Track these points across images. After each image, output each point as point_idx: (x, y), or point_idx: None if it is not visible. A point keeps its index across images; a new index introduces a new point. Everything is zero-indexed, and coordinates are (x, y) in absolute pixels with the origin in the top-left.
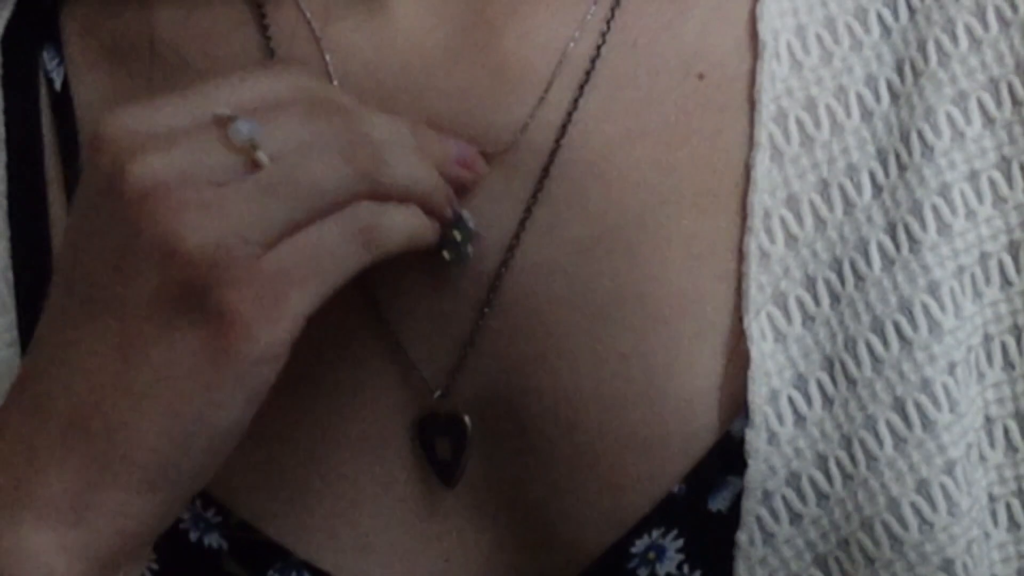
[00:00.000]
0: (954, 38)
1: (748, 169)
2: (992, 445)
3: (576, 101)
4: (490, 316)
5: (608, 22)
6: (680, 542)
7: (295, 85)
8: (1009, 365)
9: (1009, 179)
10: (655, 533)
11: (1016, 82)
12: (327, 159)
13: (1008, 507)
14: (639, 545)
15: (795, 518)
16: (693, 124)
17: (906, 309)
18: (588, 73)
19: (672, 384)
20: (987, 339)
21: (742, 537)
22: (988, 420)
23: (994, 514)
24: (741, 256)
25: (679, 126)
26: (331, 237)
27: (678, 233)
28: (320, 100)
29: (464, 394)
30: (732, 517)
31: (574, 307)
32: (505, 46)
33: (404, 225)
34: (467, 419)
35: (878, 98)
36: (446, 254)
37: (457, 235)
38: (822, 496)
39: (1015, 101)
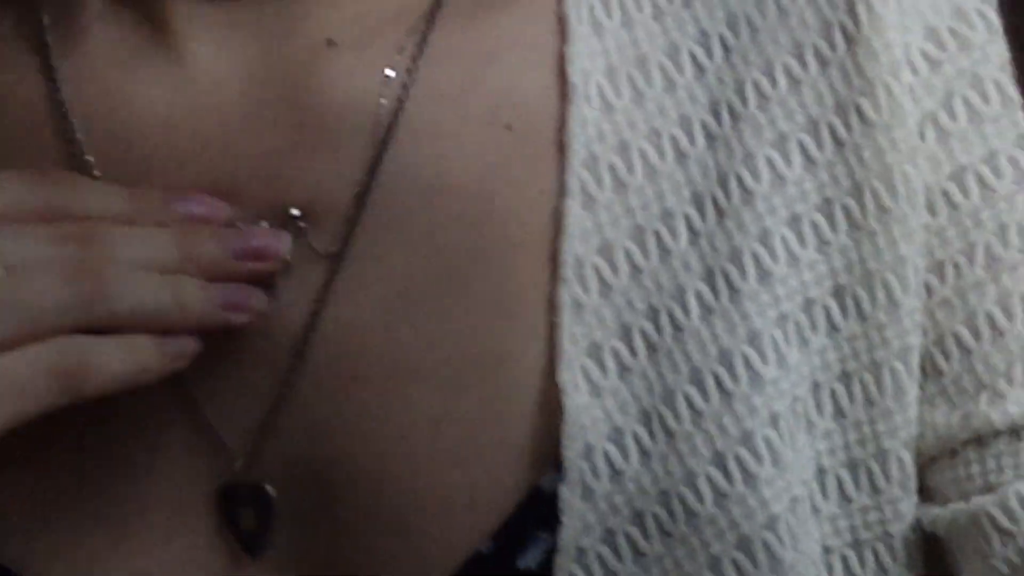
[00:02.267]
0: (772, 79)
1: (559, 218)
2: (825, 496)
3: (380, 156)
4: (295, 381)
5: (411, 73)
6: None
7: (40, 195)
8: (840, 413)
9: (832, 222)
10: None
11: (837, 122)
12: (47, 280)
13: (844, 559)
14: None
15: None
16: (501, 176)
17: (726, 360)
18: (390, 128)
19: (483, 444)
20: (816, 388)
21: None
22: (820, 471)
23: (829, 566)
24: (554, 308)
25: (486, 179)
26: (21, 370)
27: (487, 289)
28: (64, 213)
29: (269, 462)
30: (543, 575)
31: (382, 370)
32: (307, 100)
33: (120, 365)
34: (270, 488)
35: (693, 141)
36: None
37: None
38: (639, 554)
39: (836, 141)
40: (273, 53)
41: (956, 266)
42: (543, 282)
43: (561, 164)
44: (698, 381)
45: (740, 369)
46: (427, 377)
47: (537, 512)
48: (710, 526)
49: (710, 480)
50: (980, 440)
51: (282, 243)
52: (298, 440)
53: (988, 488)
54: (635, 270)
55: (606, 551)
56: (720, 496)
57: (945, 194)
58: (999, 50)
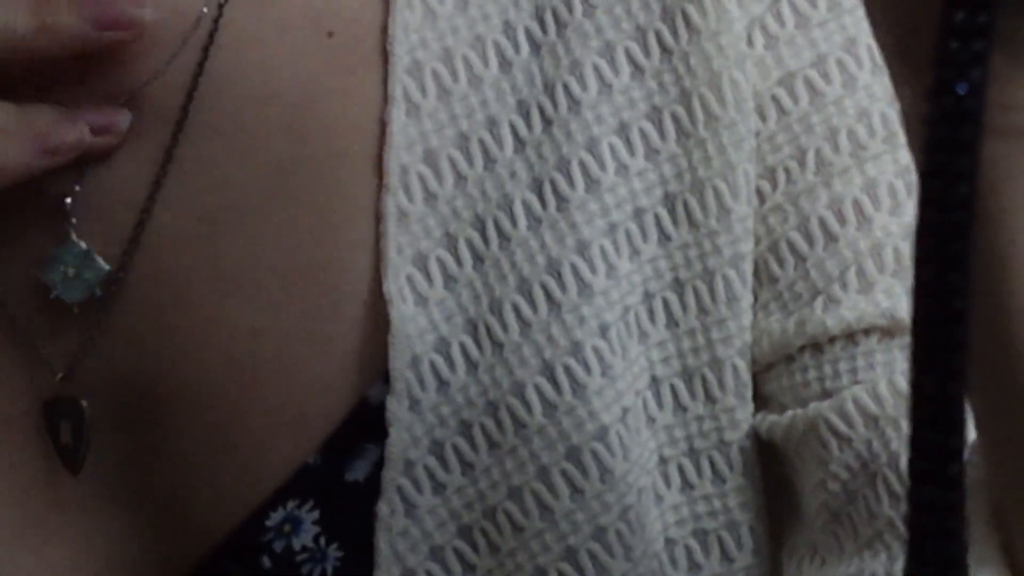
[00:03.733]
0: None
1: (384, 126)
2: (660, 406)
3: (201, 64)
4: (117, 294)
5: None
6: (316, 514)
7: None
8: (673, 323)
9: (661, 130)
10: (290, 505)
11: (664, 30)
12: None
13: (680, 468)
14: (274, 518)
15: (438, 488)
16: (324, 84)
17: (554, 270)
18: (212, 35)
19: (308, 355)
20: (647, 297)
21: (383, 508)
22: (655, 380)
23: (666, 476)
24: (379, 217)
25: (309, 87)
26: None
27: (312, 200)
28: None
29: (91, 377)
30: (370, 487)
31: (204, 282)
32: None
33: None
34: (84, 402)
35: (517, 48)
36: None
37: (64, 266)
38: (467, 465)
39: (664, 49)
40: None
41: (787, 171)
42: (368, 191)
43: (384, 72)
44: (526, 291)
45: (569, 279)
46: (250, 289)
47: (364, 424)
48: (539, 436)
49: (539, 390)
50: (816, 346)
51: (121, 120)
52: (120, 355)
53: (825, 394)
54: (460, 178)
55: (433, 462)
56: (549, 406)
57: (775, 100)
58: None
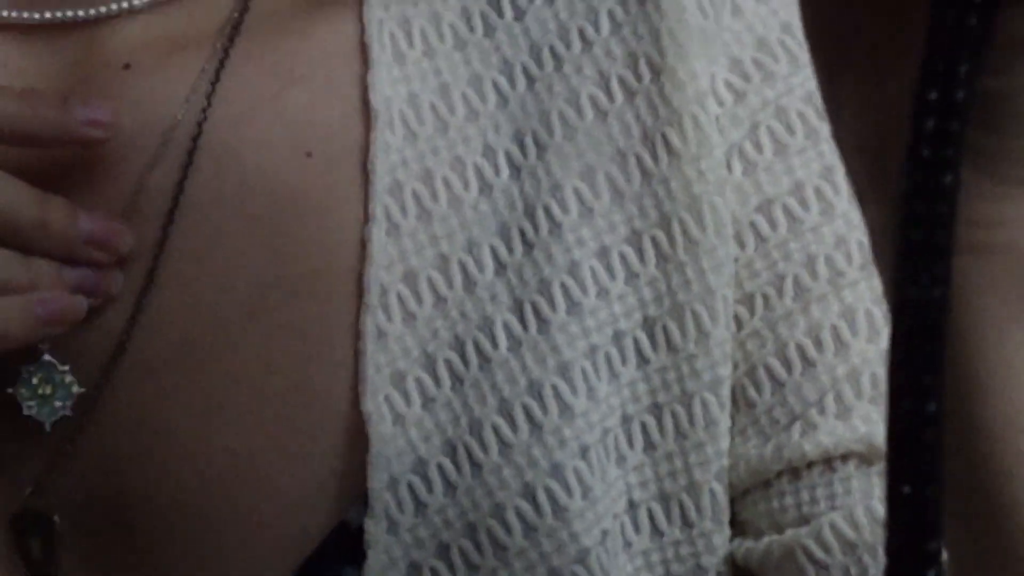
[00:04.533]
0: (579, 111)
1: (364, 245)
2: (637, 530)
3: (181, 185)
4: (91, 414)
5: (209, 97)
6: None
7: None
8: (651, 446)
9: (641, 254)
10: None
11: (644, 153)
12: None
13: None
14: None
15: None
16: (303, 203)
17: (536, 391)
18: (191, 153)
19: (287, 477)
20: (626, 420)
21: None
22: (632, 504)
23: None
24: (358, 336)
25: (288, 207)
26: None
27: (291, 319)
28: None
29: (62, 493)
30: None
31: (182, 405)
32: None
33: None
34: (56, 518)
35: (497, 171)
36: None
37: (37, 383)
38: None
39: (644, 173)
40: (70, 78)
41: (765, 297)
42: (348, 311)
43: (364, 191)
44: (507, 412)
45: (550, 400)
46: (228, 410)
47: (343, 546)
48: (519, 559)
49: (519, 512)
50: (794, 471)
51: (123, 238)
52: (92, 473)
53: (802, 520)
54: (439, 300)
55: None
56: (530, 529)
57: (753, 226)
58: (803, 81)
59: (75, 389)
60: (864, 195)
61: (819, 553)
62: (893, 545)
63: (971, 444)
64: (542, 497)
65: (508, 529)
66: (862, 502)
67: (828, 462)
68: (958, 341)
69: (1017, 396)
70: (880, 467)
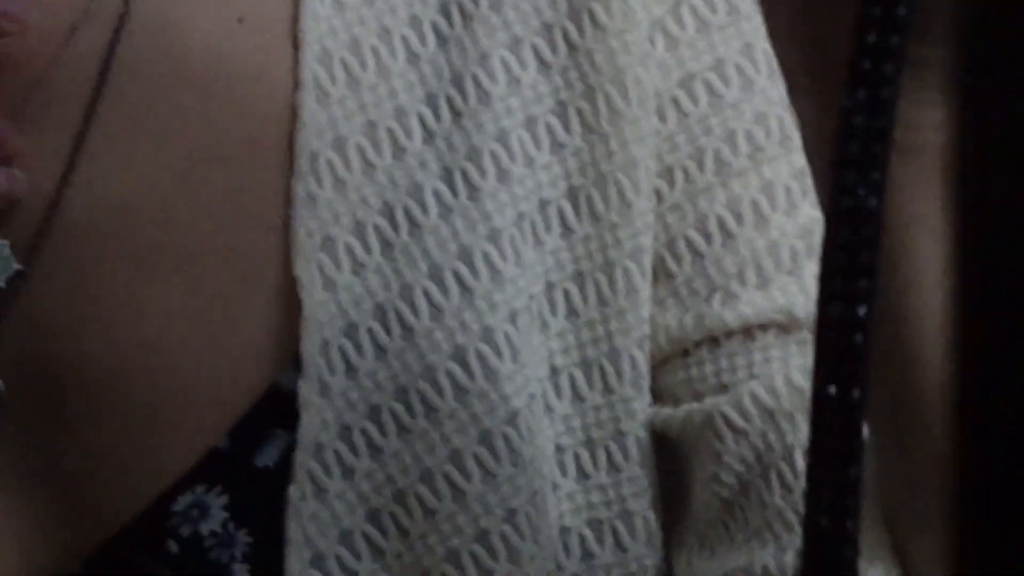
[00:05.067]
0: None
1: (294, 112)
2: (558, 395)
3: (111, 49)
4: (26, 282)
5: None
6: (225, 499)
7: None
8: (573, 313)
9: (566, 125)
10: (199, 490)
11: (571, 27)
12: None
13: (576, 457)
14: (181, 503)
15: (347, 472)
16: (234, 69)
17: (466, 257)
18: (122, 18)
19: (220, 340)
20: (549, 287)
21: (293, 492)
22: (554, 370)
23: (562, 465)
24: (289, 202)
25: (220, 72)
26: None
27: (224, 184)
28: None
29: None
30: (280, 472)
31: (116, 269)
32: None
33: None
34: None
35: (424, 41)
36: None
37: None
38: (376, 450)
39: (570, 46)
40: None
41: (685, 171)
42: (278, 176)
43: (294, 59)
44: (437, 277)
45: (481, 266)
46: (162, 274)
47: (275, 409)
48: (451, 420)
49: (450, 375)
50: (713, 340)
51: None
52: (28, 340)
53: (721, 388)
54: (368, 166)
55: (343, 447)
56: (461, 391)
57: (674, 101)
58: None
59: (14, 266)
60: (796, 86)
61: (738, 420)
62: (816, 444)
63: (900, 336)
64: (473, 359)
65: (439, 391)
66: (781, 371)
67: (748, 332)
68: (887, 240)
69: (934, 290)
70: (798, 336)
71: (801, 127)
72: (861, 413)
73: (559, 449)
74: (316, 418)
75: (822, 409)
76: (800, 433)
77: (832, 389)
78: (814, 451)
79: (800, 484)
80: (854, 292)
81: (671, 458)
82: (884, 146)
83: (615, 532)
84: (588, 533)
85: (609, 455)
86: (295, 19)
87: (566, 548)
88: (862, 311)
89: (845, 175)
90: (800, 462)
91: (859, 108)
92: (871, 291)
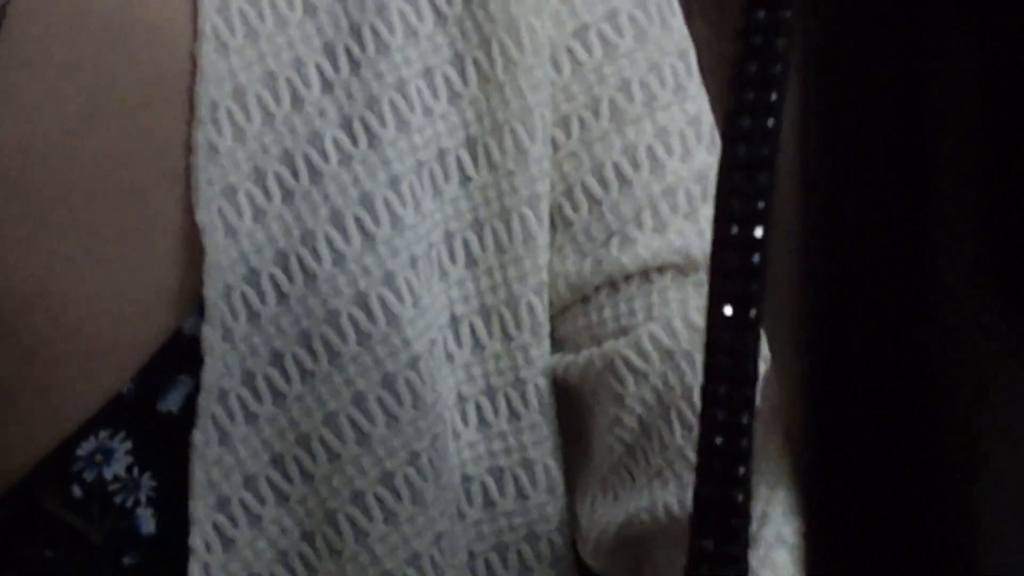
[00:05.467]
0: None
1: (194, 61)
2: (459, 343)
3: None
4: None
5: None
6: (129, 444)
7: None
8: (472, 262)
9: (463, 75)
10: (102, 435)
11: None
12: None
13: (477, 406)
14: (85, 448)
15: (251, 417)
16: (132, 17)
17: (368, 203)
18: None
19: (122, 285)
20: (448, 236)
21: (197, 437)
22: (454, 318)
23: (464, 414)
24: (190, 150)
25: (117, 20)
26: None
27: (123, 130)
28: None
29: None
30: (184, 418)
31: (15, 213)
32: None
33: None
34: None
35: None
36: None
37: None
38: (279, 395)
39: None
40: None
41: (581, 120)
42: (179, 124)
43: (192, 8)
44: (339, 223)
45: (382, 212)
46: (63, 218)
47: (178, 354)
48: (353, 364)
49: (352, 319)
50: (612, 284)
51: None
52: None
53: (621, 331)
54: (268, 115)
55: (246, 392)
56: (363, 335)
57: (569, 51)
58: None
59: None
60: (693, 9)
61: (638, 361)
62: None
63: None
64: (375, 304)
65: (342, 335)
66: (679, 312)
67: (645, 274)
68: None
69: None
70: (696, 278)
71: (698, 50)
72: (757, 333)
73: (460, 398)
74: (219, 363)
75: (717, 329)
76: (699, 372)
77: (728, 309)
78: (708, 371)
79: None
80: (751, 213)
81: (573, 405)
82: (782, 66)
83: (516, 480)
84: (490, 481)
85: (509, 403)
86: None
87: (468, 496)
88: (759, 232)
89: (742, 96)
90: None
91: (757, 29)
92: (768, 212)
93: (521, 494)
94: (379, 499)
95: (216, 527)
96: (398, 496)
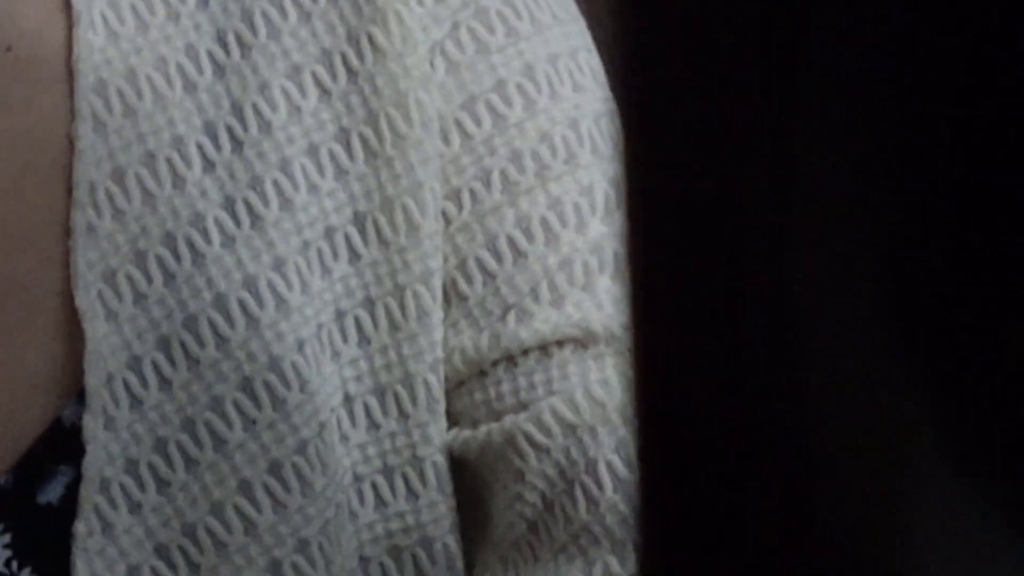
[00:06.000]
0: (283, 11)
1: (71, 142)
2: (353, 423)
3: None
4: None
5: None
6: (7, 537)
7: None
8: (365, 340)
9: (349, 151)
10: None
11: (350, 52)
12: None
13: (374, 485)
14: None
15: (134, 507)
16: (6, 97)
17: (251, 286)
18: None
19: (0, 372)
20: (339, 315)
21: (79, 528)
22: (348, 398)
23: (360, 494)
24: (68, 233)
25: None
26: None
27: (2, 213)
28: None
29: None
30: (65, 509)
31: None
32: None
33: None
34: None
35: (201, 70)
36: None
37: None
38: (163, 483)
39: (350, 71)
40: None
41: (472, 192)
42: (57, 207)
43: (69, 88)
44: (222, 307)
45: (266, 295)
46: None
47: (58, 444)
48: (239, 452)
49: (238, 406)
50: (510, 359)
51: None
52: None
53: (520, 406)
54: (148, 196)
55: (129, 481)
56: (249, 421)
57: (458, 123)
58: None
59: None
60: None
61: (539, 436)
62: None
63: None
64: (260, 390)
65: (227, 422)
66: (580, 385)
67: (544, 348)
68: None
69: None
70: (595, 351)
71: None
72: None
73: (356, 478)
74: (101, 452)
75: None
76: (603, 447)
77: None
78: None
79: (606, 498)
80: None
81: (471, 481)
82: None
83: (415, 559)
84: (389, 562)
85: (407, 482)
86: (68, 48)
87: None
88: None
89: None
90: (605, 477)
91: None
92: None
93: (420, 574)
94: None
95: None
96: None
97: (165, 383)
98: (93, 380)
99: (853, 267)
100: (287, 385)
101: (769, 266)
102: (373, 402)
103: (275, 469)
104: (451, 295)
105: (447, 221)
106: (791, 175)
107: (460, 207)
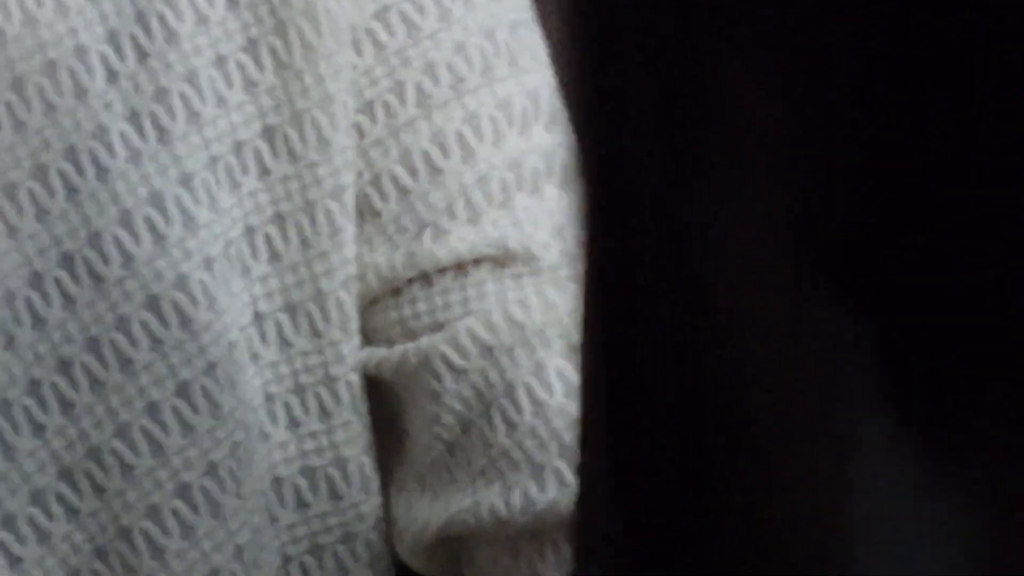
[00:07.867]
0: None
1: None
2: (264, 342)
3: None
4: None
5: None
6: None
7: None
8: (275, 257)
9: (258, 62)
10: None
11: None
12: None
13: (286, 405)
14: None
15: (37, 429)
16: None
17: (158, 202)
18: None
19: None
20: (249, 231)
21: None
22: (258, 316)
23: (272, 414)
24: None
25: None
26: None
27: None
28: None
29: None
30: None
31: None
32: None
33: None
34: None
35: None
36: None
37: None
38: (67, 404)
39: None
40: None
41: (386, 105)
42: None
43: None
44: (128, 224)
45: (173, 211)
46: None
47: None
48: (146, 372)
49: (144, 325)
50: (425, 278)
51: None
52: None
53: (436, 326)
54: (50, 108)
55: (32, 403)
56: (156, 341)
57: (370, 33)
58: None
59: None
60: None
61: (455, 357)
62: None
63: None
64: (167, 309)
65: (133, 342)
66: (498, 306)
67: (461, 267)
68: None
69: None
70: (513, 270)
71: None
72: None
73: (268, 398)
74: (3, 374)
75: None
76: (521, 369)
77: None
78: None
79: (524, 422)
80: None
81: (386, 400)
82: None
83: (329, 479)
84: (302, 482)
85: (320, 401)
86: None
87: (280, 498)
88: None
89: None
90: (523, 400)
91: None
92: None
93: (335, 494)
94: (175, 513)
95: (2, 545)
96: (196, 510)
97: (69, 301)
98: None
99: (784, 216)
100: (194, 303)
101: (703, 219)
102: (285, 320)
103: (183, 390)
104: (365, 211)
105: (360, 135)
106: (724, 130)
107: (374, 120)
